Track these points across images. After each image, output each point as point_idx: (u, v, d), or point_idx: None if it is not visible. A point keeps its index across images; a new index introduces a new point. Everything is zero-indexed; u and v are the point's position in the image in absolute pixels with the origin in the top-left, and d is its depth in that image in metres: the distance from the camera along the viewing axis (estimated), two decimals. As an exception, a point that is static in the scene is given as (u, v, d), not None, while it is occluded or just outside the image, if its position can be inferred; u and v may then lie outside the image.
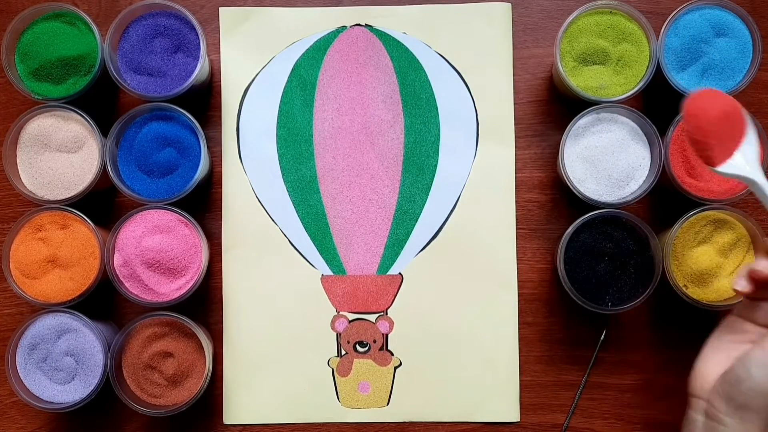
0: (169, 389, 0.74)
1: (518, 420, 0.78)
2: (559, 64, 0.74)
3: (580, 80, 0.75)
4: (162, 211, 0.74)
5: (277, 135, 0.80)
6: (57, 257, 0.73)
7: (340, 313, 0.79)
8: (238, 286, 0.79)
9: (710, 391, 0.60)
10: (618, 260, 0.73)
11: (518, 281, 0.79)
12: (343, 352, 0.79)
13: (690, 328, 0.78)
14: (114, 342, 0.73)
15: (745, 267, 0.61)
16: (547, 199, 0.80)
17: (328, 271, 0.79)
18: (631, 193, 0.74)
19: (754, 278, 0.59)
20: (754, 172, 0.58)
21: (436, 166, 0.79)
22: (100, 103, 0.78)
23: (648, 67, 0.74)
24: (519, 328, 0.79)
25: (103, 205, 0.79)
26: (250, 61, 0.80)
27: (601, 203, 0.73)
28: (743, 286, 0.60)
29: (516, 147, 0.80)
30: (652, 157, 0.74)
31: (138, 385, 0.74)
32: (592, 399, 0.78)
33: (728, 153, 0.59)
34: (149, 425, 0.78)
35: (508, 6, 0.80)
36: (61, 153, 0.75)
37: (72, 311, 0.73)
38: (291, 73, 0.80)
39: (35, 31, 0.75)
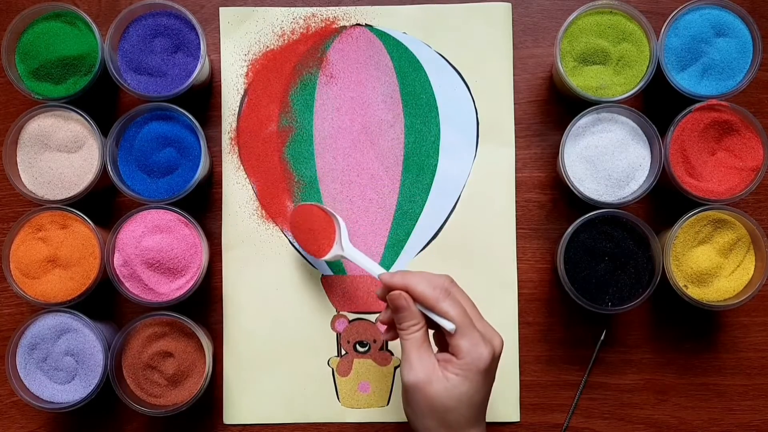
0: (169, 389, 0.74)
1: (518, 420, 0.78)
2: (559, 64, 0.74)
3: (580, 80, 0.75)
4: (162, 211, 0.74)
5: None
6: (57, 257, 0.73)
7: (340, 313, 0.79)
8: (238, 286, 0.79)
9: None
10: (618, 260, 0.73)
11: (518, 281, 0.79)
12: (343, 352, 0.79)
13: (690, 328, 0.79)
14: (114, 342, 0.73)
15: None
16: (547, 199, 0.80)
17: (328, 271, 0.79)
18: (631, 193, 0.74)
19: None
20: (345, 251, 0.73)
21: (436, 166, 0.79)
22: (100, 103, 0.78)
23: (648, 67, 0.74)
24: (519, 328, 0.79)
25: (103, 205, 0.79)
26: (251, 60, 0.80)
27: (601, 203, 0.73)
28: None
29: (516, 147, 0.80)
30: (652, 157, 0.74)
31: (138, 385, 0.74)
32: (592, 399, 0.78)
33: (330, 244, 0.74)
34: (149, 425, 0.78)
35: (508, 6, 0.80)
36: (61, 153, 0.75)
37: (72, 311, 0.73)
38: (291, 72, 0.80)
39: (35, 31, 0.75)
